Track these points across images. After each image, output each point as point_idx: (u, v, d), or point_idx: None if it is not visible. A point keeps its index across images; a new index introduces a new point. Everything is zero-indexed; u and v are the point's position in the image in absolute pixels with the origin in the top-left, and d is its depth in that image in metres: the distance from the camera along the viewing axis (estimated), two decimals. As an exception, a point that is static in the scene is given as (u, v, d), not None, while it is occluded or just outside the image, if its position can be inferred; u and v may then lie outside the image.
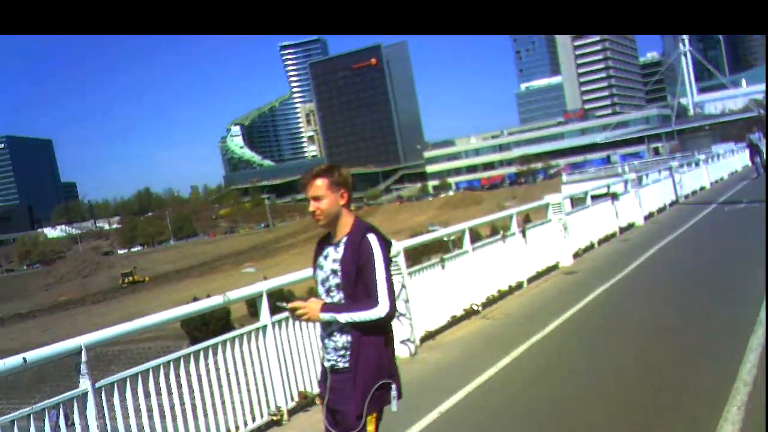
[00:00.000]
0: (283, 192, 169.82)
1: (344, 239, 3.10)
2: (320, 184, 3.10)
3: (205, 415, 5.05)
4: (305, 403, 6.04)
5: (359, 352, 3.05)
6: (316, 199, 3.11)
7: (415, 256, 8.87)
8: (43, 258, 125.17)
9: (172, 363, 4.89)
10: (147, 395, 4.62)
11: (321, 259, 3.20)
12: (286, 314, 5.99)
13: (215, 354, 5.25)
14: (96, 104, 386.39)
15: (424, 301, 8.03)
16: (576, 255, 12.49)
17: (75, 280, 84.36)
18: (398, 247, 7.61)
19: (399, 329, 7.34)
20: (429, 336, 8.00)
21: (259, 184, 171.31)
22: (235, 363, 5.42)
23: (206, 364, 5.17)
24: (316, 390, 6.20)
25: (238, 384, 5.42)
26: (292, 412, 5.86)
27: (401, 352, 7.33)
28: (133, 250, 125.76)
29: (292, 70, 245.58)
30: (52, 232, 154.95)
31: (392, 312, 3.02)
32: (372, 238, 3.06)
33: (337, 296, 3.11)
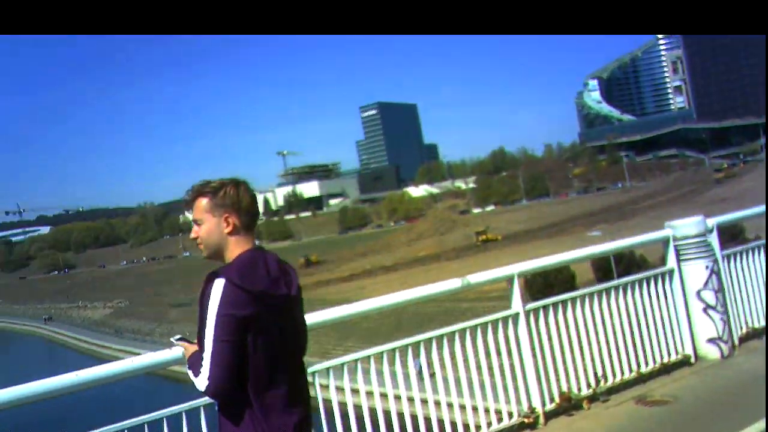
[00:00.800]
0: (644, 149, 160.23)
1: None
2: (200, 205, 2.50)
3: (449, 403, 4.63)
4: (568, 406, 5.18)
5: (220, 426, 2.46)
6: (196, 222, 2.52)
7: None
8: (406, 215, 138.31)
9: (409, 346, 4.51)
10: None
11: None
12: (543, 302, 5.23)
13: (462, 339, 4.79)
14: (456, 68, 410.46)
15: (749, 290, 6.36)
16: None
17: (433, 237, 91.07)
18: (710, 222, 6.11)
19: (706, 325, 5.91)
20: (753, 334, 6.31)
21: (617, 140, 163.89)
22: (479, 352, 4.85)
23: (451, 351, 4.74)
24: (585, 392, 5.38)
25: (481, 377, 4.82)
26: (549, 416, 5.06)
27: (710, 351, 5.91)
28: (486, 209, 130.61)
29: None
30: (415, 191, 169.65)
31: (215, 389, 2.33)
32: (217, 285, 2.33)
33: None
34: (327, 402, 4.09)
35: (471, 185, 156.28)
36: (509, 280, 5.06)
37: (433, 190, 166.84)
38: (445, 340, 4.69)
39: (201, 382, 2.34)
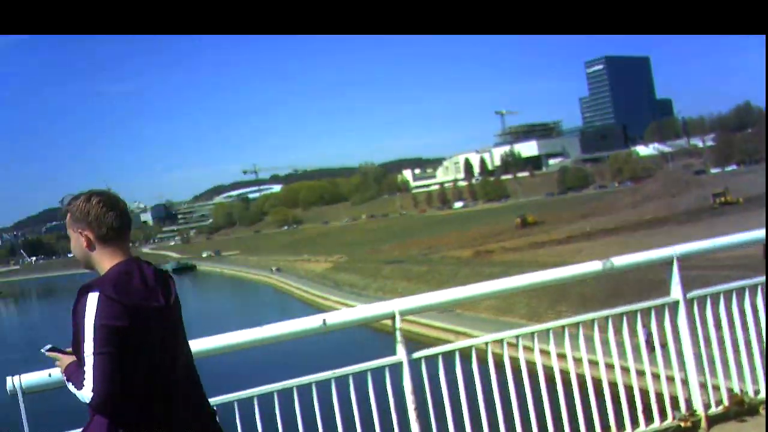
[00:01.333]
0: None
1: None
2: (67, 220, 2.46)
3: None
4: (740, 411, 4.37)
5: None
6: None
7: None
8: (633, 176, 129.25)
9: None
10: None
11: None
12: (710, 290, 4.47)
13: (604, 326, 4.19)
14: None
15: None
16: None
17: (662, 199, 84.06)
18: None
19: None
20: None
21: None
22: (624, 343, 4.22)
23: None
24: (763, 394, 4.51)
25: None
26: (713, 420, 4.30)
27: None
28: (727, 169, 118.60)
29: None
30: (643, 150, 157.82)
31: (99, 402, 2.23)
32: (91, 298, 2.25)
33: None
34: (531, 365, 3.98)
35: (709, 143, 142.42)
36: (667, 263, 4.36)
37: (665, 149, 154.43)
38: (580, 328, 4.16)
39: (86, 394, 2.25)
